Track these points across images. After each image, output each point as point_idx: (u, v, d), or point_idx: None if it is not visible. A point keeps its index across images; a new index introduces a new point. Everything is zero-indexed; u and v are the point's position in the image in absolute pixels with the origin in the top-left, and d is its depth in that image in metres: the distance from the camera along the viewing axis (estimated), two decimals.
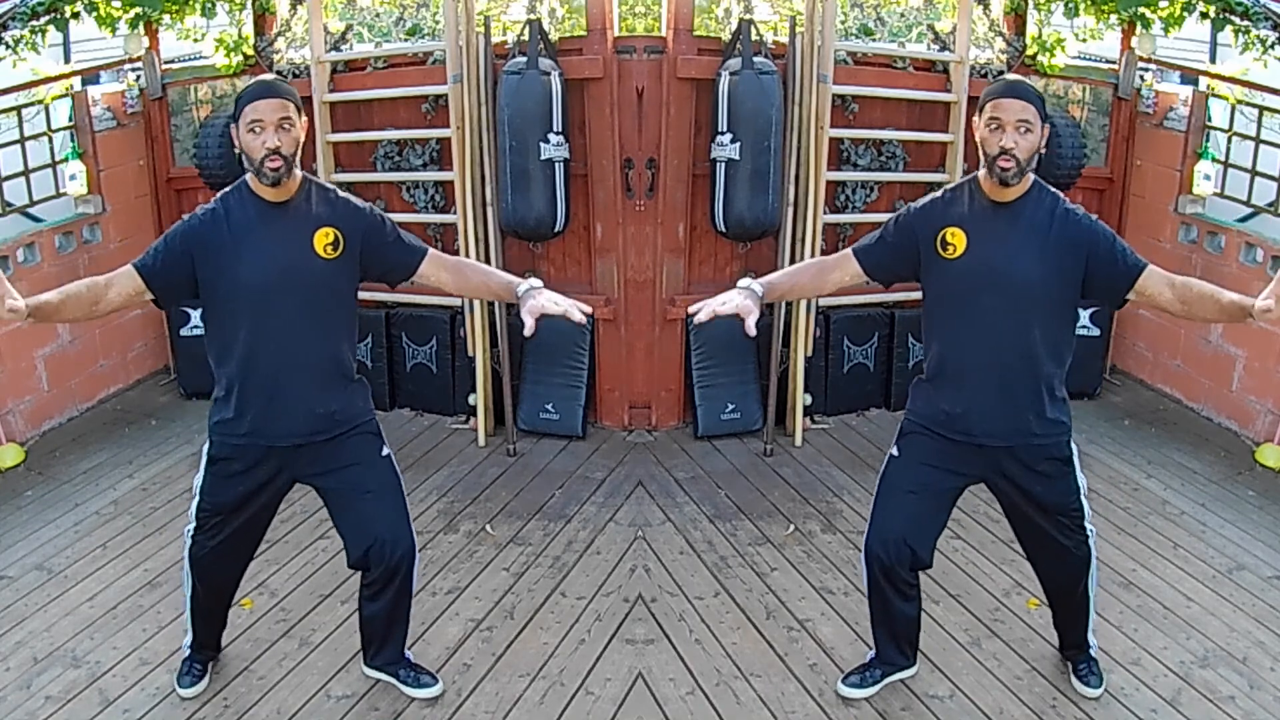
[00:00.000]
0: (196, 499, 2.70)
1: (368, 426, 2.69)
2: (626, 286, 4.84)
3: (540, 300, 2.52)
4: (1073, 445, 2.65)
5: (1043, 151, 2.46)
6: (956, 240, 2.50)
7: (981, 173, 2.50)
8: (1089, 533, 2.74)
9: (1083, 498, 2.70)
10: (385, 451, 2.72)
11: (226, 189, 2.54)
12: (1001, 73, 5.15)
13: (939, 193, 2.63)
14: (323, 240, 2.49)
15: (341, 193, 2.61)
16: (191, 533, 2.75)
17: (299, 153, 2.46)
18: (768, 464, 4.60)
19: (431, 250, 2.68)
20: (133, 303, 2.50)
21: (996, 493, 2.72)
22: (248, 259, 2.44)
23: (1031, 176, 2.50)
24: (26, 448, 4.65)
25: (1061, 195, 2.54)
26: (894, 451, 2.75)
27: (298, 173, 2.49)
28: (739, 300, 2.54)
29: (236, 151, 2.46)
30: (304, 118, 2.49)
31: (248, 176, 2.50)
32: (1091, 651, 2.97)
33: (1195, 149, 5.06)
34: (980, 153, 2.48)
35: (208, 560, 2.76)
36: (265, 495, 2.68)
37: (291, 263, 2.47)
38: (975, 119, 2.51)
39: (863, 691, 2.92)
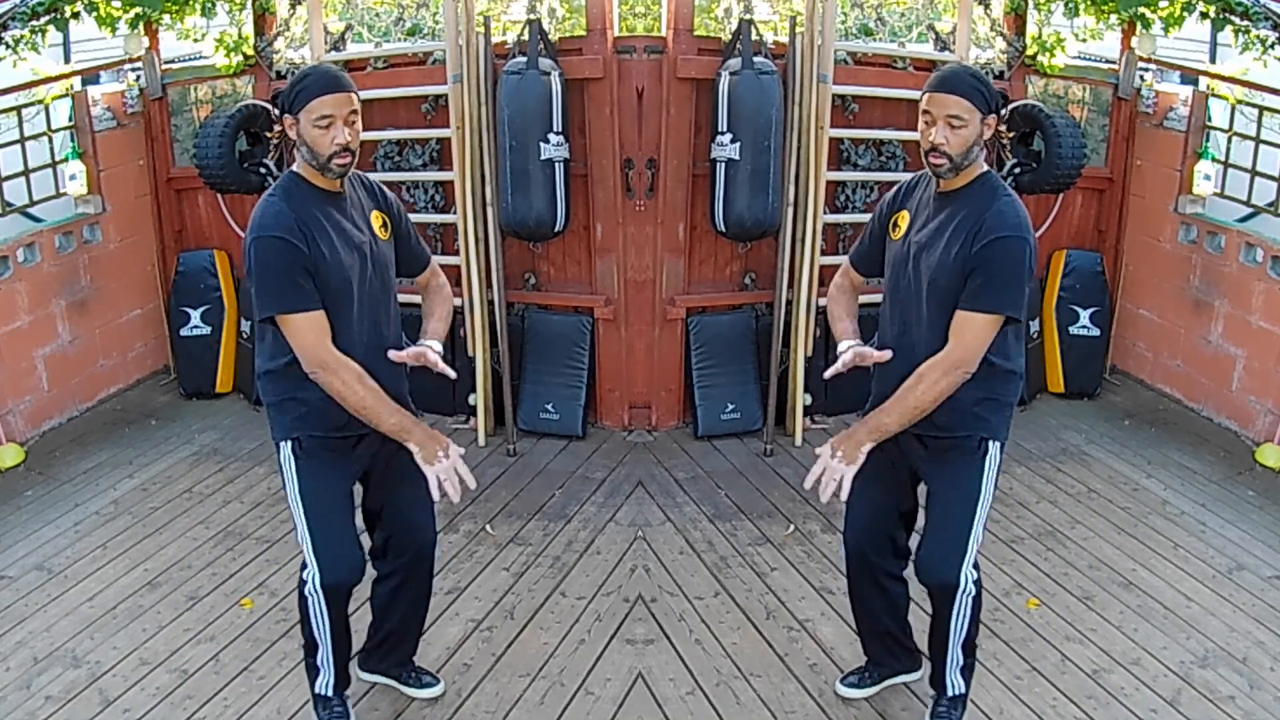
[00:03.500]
0: (303, 510, 2.52)
1: (409, 408, 2.66)
2: (626, 286, 4.84)
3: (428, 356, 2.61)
4: (990, 447, 2.52)
5: (1003, 142, 2.43)
6: (902, 222, 2.55)
7: None
8: (964, 569, 2.52)
9: (975, 521, 2.53)
10: None
11: (275, 189, 2.42)
12: (1002, 73, 5.16)
13: (912, 176, 2.64)
14: (378, 222, 2.54)
15: (370, 178, 2.62)
16: (315, 553, 2.52)
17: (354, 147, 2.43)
18: (768, 464, 4.60)
19: (434, 261, 2.77)
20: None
21: (919, 478, 2.70)
22: (332, 250, 2.39)
23: (980, 169, 2.42)
24: (26, 448, 4.65)
25: (1004, 195, 2.40)
26: None
27: None
28: (848, 358, 2.63)
29: (276, 142, 2.41)
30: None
31: (298, 168, 2.41)
32: (950, 694, 2.71)
33: (1195, 149, 5.06)
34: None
35: (350, 575, 2.55)
36: (352, 487, 2.64)
37: (366, 247, 2.47)
38: (994, 118, 2.44)
39: (860, 692, 2.92)
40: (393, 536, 2.69)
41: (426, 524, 2.71)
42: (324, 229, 2.38)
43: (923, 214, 2.50)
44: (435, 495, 2.42)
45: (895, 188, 2.66)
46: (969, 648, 2.67)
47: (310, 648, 2.66)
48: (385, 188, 2.65)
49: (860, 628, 2.92)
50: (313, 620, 2.58)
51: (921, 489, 2.72)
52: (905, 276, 2.51)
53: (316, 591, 2.53)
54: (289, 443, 2.53)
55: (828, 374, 2.65)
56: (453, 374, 2.58)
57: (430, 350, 2.56)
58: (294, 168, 2.43)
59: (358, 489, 2.71)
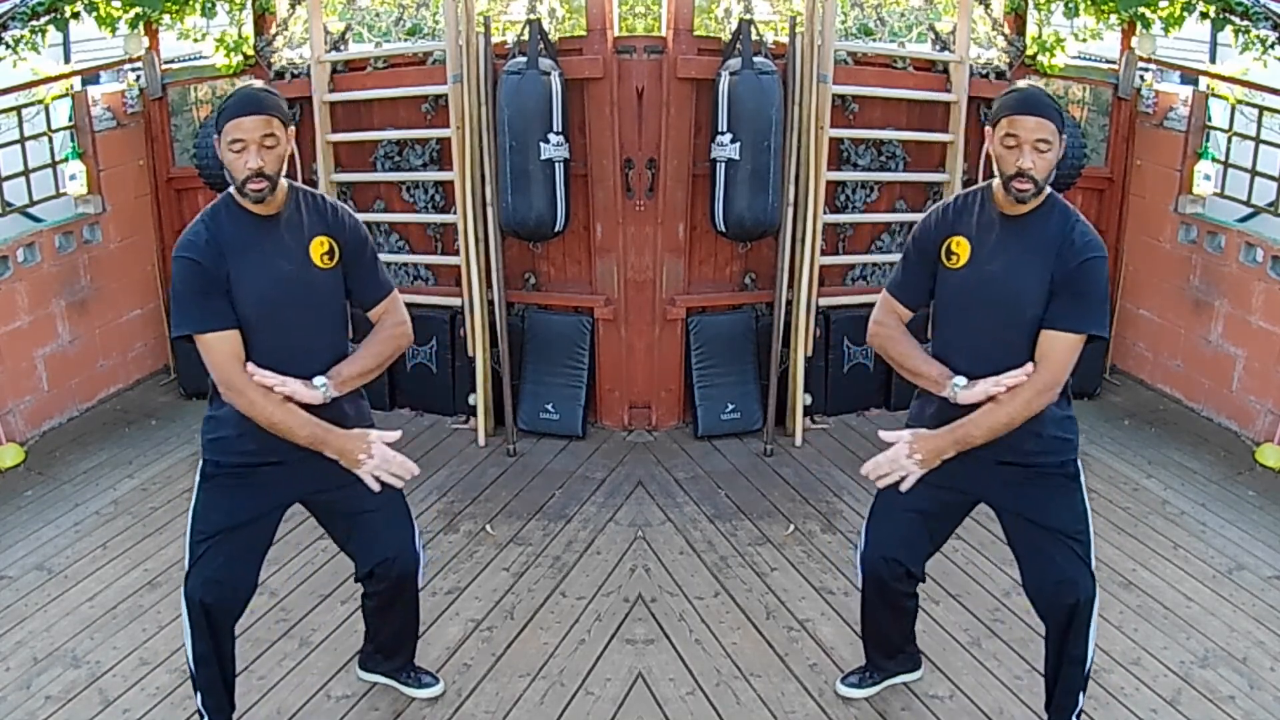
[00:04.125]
0: (189, 528, 2.50)
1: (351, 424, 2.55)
2: (626, 286, 4.84)
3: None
4: (1078, 465, 2.52)
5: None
6: (960, 250, 2.44)
7: (996, 183, 2.40)
8: (1093, 573, 2.50)
9: (1089, 527, 2.52)
10: None
11: (206, 210, 2.40)
12: (1002, 73, 5.16)
13: (950, 199, 2.53)
14: (319, 250, 2.43)
15: (333, 200, 2.52)
16: (187, 570, 2.50)
17: (284, 168, 2.36)
18: (768, 464, 4.61)
19: (396, 296, 2.60)
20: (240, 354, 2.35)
21: (999, 513, 2.61)
22: (249, 277, 2.34)
23: (1047, 190, 2.38)
24: (26, 448, 4.65)
25: (1075, 214, 2.40)
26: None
27: (284, 183, 2.39)
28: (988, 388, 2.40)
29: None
30: (290, 127, 2.38)
31: (232, 191, 2.38)
32: (1079, 711, 2.64)
33: (1195, 149, 5.06)
34: (995, 167, 2.36)
35: (209, 596, 2.48)
36: (264, 519, 2.54)
37: (292, 275, 2.38)
38: (989, 129, 2.38)
39: (861, 692, 2.91)
40: (372, 569, 2.60)
41: (401, 553, 2.59)
42: (245, 253, 2.34)
43: (987, 239, 2.40)
44: (374, 487, 2.40)
45: (933, 213, 2.53)
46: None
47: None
48: (349, 214, 2.51)
49: (866, 637, 2.88)
50: (183, 632, 2.53)
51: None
52: (979, 305, 2.40)
53: (184, 603, 2.49)
54: (200, 463, 2.51)
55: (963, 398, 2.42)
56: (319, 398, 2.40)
57: (302, 385, 2.35)
58: (229, 189, 2.39)
59: (297, 522, 2.67)
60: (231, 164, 2.30)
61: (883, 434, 2.50)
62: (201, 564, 2.47)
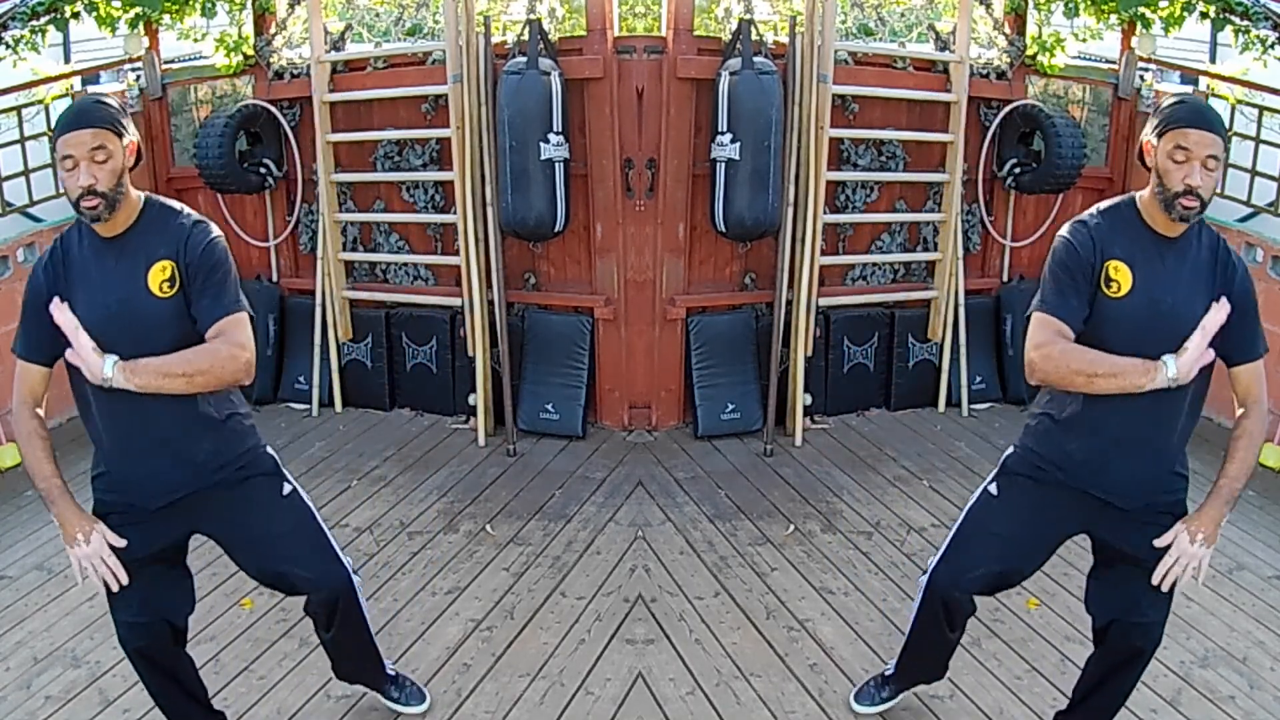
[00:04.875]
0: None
1: (258, 467, 2.38)
2: (626, 286, 4.84)
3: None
4: (1187, 506, 2.35)
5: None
6: (1121, 277, 2.17)
7: (1144, 195, 2.20)
8: (1165, 618, 2.38)
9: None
10: (288, 489, 2.42)
11: (67, 229, 2.22)
12: (1002, 73, 5.16)
13: (1092, 216, 2.25)
14: (158, 277, 2.15)
15: (195, 217, 2.23)
16: (113, 615, 2.37)
17: (122, 182, 2.13)
18: (768, 464, 4.60)
19: (242, 320, 2.18)
20: (46, 385, 2.23)
21: (1095, 541, 2.44)
22: (83, 304, 2.11)
23: None
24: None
25: (1216, 232, 2.25)
26: (991, 490, 2.46)
27: (135, 196, 2.18)
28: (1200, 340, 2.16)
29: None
30: (129, 137, 2.15)
31: None
32: None
33: None
34: (1156, 182, 2.15)
35: (138, 641, 2.37)
36: (167, 549, 2.37)
37: (123, 305, 2.13)
38: (1149, 138, 2.18)
39: (872, 709, 2.82)
40: (302, 596, 2.43)
41: (318, 577, 2.38)
42: (83, 280, 2.16)
43: (1149, 264, 2.18)
44: (77, 578, 2.19)
45: (1077, 232, 2.24)
46: None
47: None
48: (205, 234, 2.21)
49: (909, 657, 2.70)
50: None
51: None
52: (1152, 341, 2.13)
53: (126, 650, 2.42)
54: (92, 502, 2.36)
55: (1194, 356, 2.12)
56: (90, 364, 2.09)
57: (93, 351, 2.05)
58: None
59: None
60: (65, 182, 2.11)
61: (1156, 543, 2.25)
62: (118, 610, 2.34)
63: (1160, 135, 2.15)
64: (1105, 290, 2.18)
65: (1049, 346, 2.14)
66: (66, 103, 4.94)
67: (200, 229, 2.21)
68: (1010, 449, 2.48)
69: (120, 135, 2.14)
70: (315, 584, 2.39)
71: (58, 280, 2.16)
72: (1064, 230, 2.25)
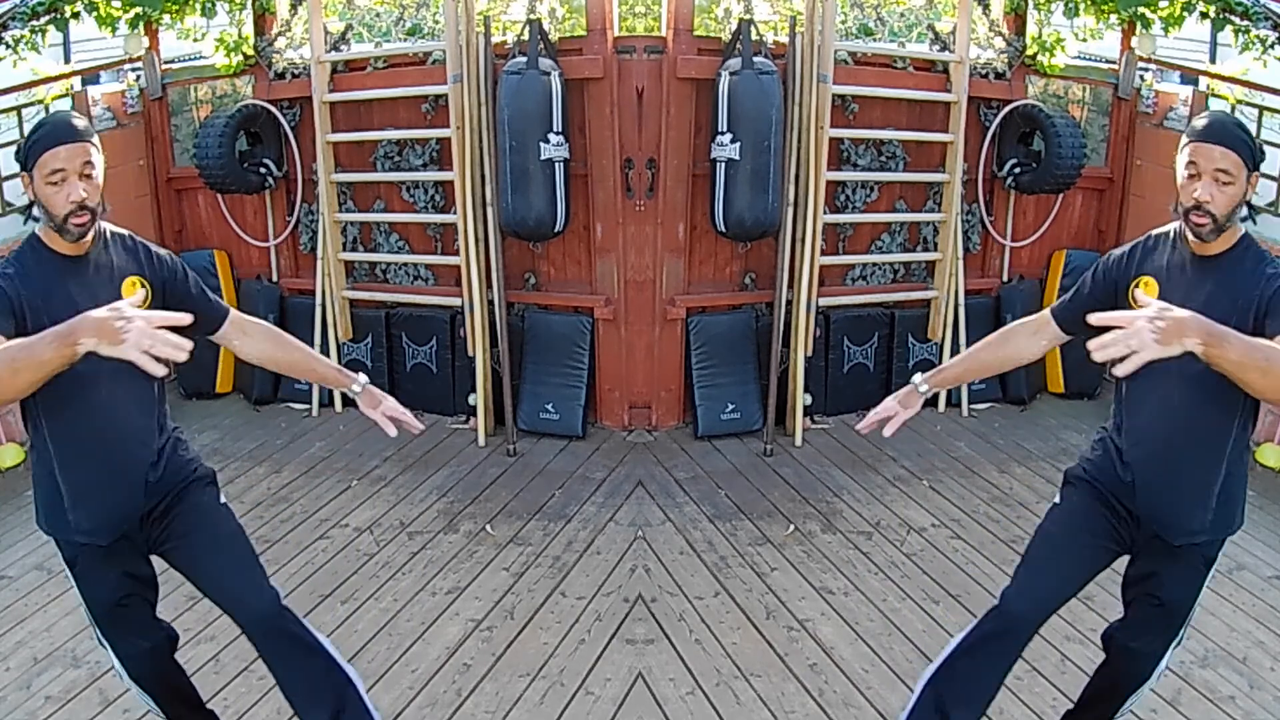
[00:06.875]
0: (89, 614, 2.38)
1: (197, 476, 2.37)
2: (626, 286, 4.84)
3: (390, 403, 2.42)
4: (1219, 551, 2.35)
5: (1249, 200, 2.19)
6: (1149, 292, 2.16)
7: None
8: (1167, 654, 2.39)
9: (1190, 615, 2.38)
10: (223, 499, 2.43)
11: (14, 251, 2.17)
12: (1002, 73, 5.16)
13: (1143, 238, 2.29)
14: (130, 292, 2.16)
15: (139, 239, 2.26)
16: (113, 649, 2.39)
17: (102, 200, 2.13)
18: (768, 464, 4.60)
19: (234, 312, 2.39)
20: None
21: (1133, 559, 2.42)
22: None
23: (1240, 229, 2.20)
24: (27, 448, 4.63)
25: (1269, 254, 2.19)
26: (1056, 499, 2.44)
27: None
28: (890, 403, 2.42)
29: (30, 200, 2.13)
30: (102, 154, 2.15)
31: (38, 230, 2.16)
32: None
33: None
34: (1175, 198, 2.17)
35: (145, 668, 2.42)
36: (144, 573, 2.40)
37: None
38: (1177, 155, 2.16)
39: None
40: (235, 618, 2.37)
41: (243, 594, 2.31)
42: (50, 299, 2.06)
43: (1179, 284, 2.16)
44: (154, 370, 1.77)
45: (1118, 253, 2.29)
46: None
47: None
48: (157, 250, 2.27)
49: (961, 689, 2.44)
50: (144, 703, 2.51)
51: None
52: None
53: (130, 686, 2.45)
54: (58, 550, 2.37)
55: (861, 425, 2.41)
56: (417, 426, 2.47)
57: (385, 399, 2.41)
58: (35, 229, 2.18)
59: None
60: (50, 199, 2.08)
61: (1129, 309, 1.95)
62: (120, 645, 2.37)
63: (1180, 151, 2.15)
64: (1134, 304, 2.13)
65: (1017, 324, 2.55)
66: (67, 103, 4.95)
67: (156, 250, 2.28)
68: (1080, 460, 2.44)
69: (99, 150, 2.14)
70: (245, 608, 2.32)
71: (22, 303, 2.05)
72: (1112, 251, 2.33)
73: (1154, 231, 2.29)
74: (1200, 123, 2.14)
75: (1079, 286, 2.35)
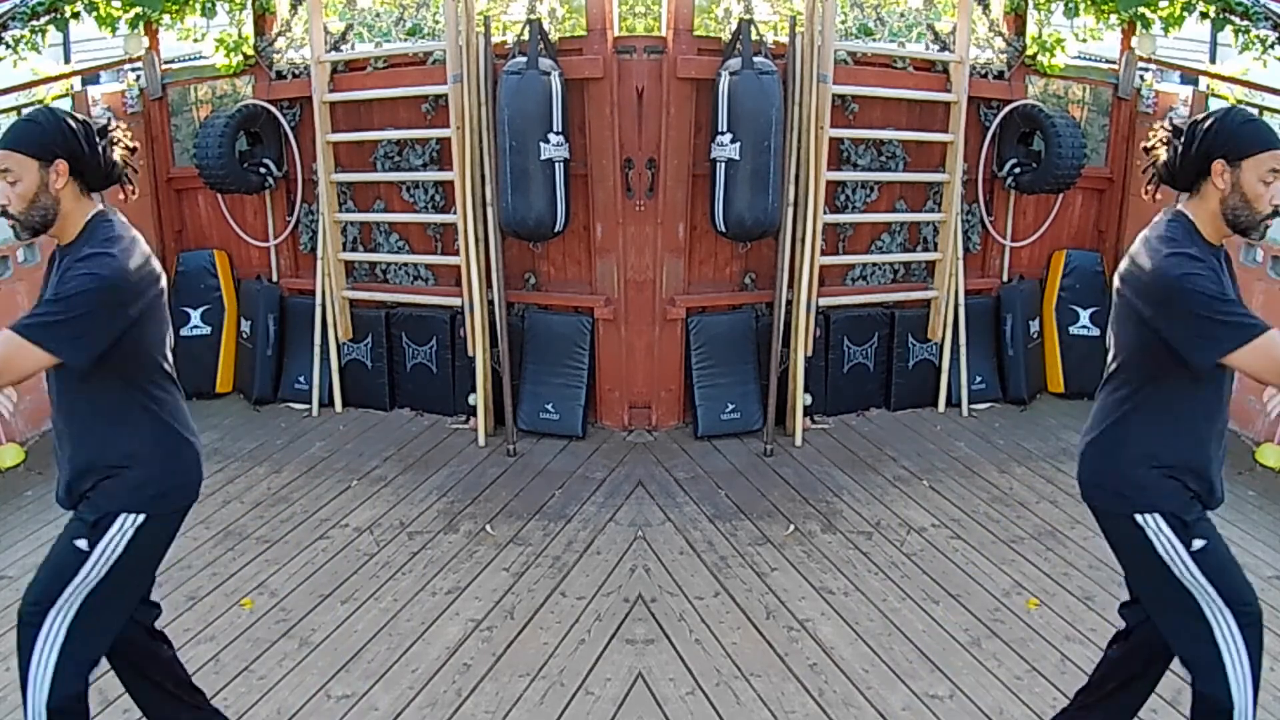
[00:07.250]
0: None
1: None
2: (626, 286, 4.84)
3: None
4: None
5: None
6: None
7: (1196, 212, 2.15)
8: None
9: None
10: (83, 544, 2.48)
11: None
12: (1002, 73, 5.16)
13: (1175, 243, 2.12)
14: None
15: (98, 247, 2.09)
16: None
17: (40, 205, 2.07)
18: (768, 464, 4.60)
19: (10, 336, 2.03)
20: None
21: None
22: None
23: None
24: (26, 448, 4.64)
25: None
26: (1195, 546, 2.43)
27: (82, 213, 2.13)
28: None
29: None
30: (45, 160, 2.06)
31: None
32: None
33: None
34: (1237, 203, 2.10)
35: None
36: None
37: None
38: (1221, 164, 2.09)
39: None
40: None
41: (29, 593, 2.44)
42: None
43: (1220, 272, 2.17)
44: None
45: (1193, 262, 2.11)
46: None
47: None
48: (80, 266, 2.08)
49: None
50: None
51: None
52: None
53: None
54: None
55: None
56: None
57: None
58: None
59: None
60: None
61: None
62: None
63: (1244, 157, 2.09)
64: None
65: None
66: (67, 103, 4.95)
67: (87, 260, 2.07)
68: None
69: (35, 158, 2.07)
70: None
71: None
72: (1179, 267, 2.08)
73: (1168, 236, 2.16)
74: (1264, 129, 2.12)
75: (1233, 299, 2.12)
